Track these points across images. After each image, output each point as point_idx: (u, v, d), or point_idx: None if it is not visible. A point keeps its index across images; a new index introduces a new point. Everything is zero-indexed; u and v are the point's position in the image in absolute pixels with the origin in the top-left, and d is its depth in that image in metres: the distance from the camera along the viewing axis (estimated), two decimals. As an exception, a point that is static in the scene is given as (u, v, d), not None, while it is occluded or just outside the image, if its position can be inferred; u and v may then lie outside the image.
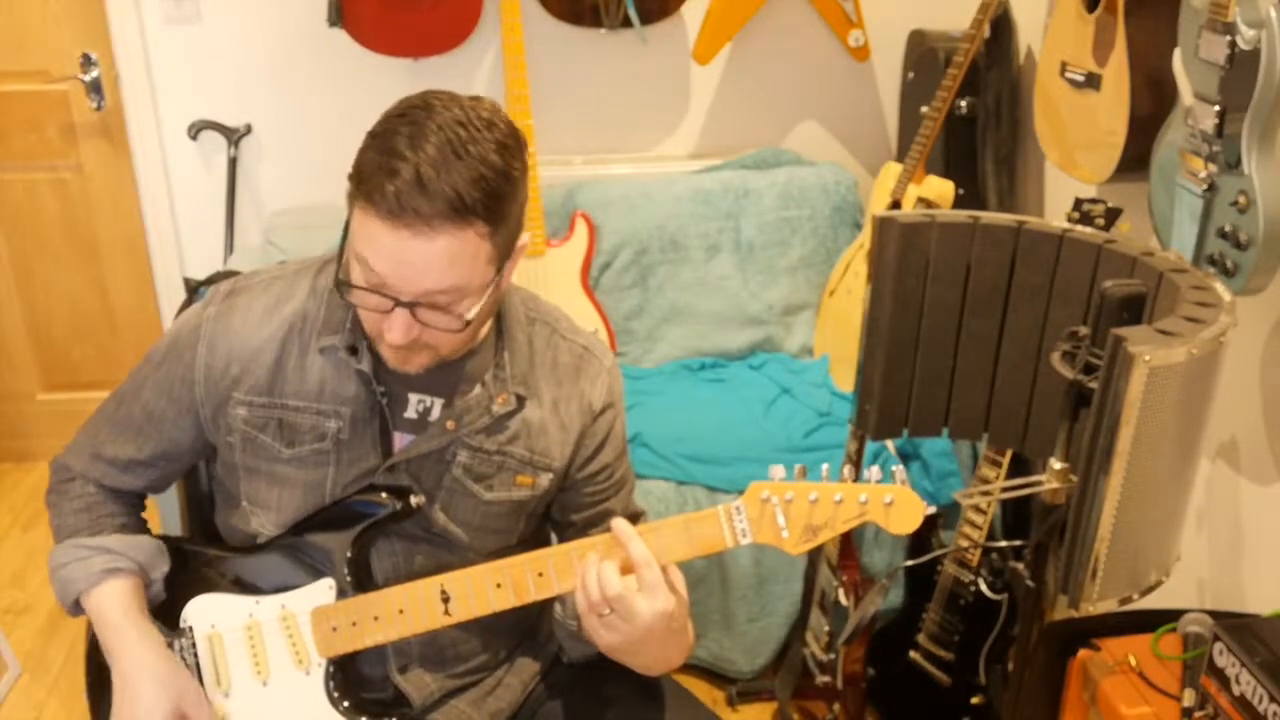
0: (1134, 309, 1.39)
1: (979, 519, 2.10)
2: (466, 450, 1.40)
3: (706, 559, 2.38)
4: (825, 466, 1.27)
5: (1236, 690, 1.48)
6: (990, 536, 2.17)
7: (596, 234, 2.93)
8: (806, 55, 3.13)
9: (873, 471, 1.26)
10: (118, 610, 1.40)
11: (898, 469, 1.25)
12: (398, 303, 1.24)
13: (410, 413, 1.41)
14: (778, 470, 1.26)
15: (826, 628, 2.20)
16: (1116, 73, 2.03)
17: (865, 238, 2.83)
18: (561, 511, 1.51)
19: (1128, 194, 2.09)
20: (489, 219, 1.21)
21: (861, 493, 1.25)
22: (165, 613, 1.46)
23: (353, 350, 1.37)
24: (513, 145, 1.24)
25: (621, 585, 1.24)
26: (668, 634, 1.28)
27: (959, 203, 2.69)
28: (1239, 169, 1.66)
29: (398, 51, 2.91)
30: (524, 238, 1.32)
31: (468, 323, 1.27)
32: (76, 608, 1.44)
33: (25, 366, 3.35)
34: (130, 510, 1.52)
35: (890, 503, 1.24)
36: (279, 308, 1.41)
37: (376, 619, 1.37)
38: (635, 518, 1.54)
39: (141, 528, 1.52)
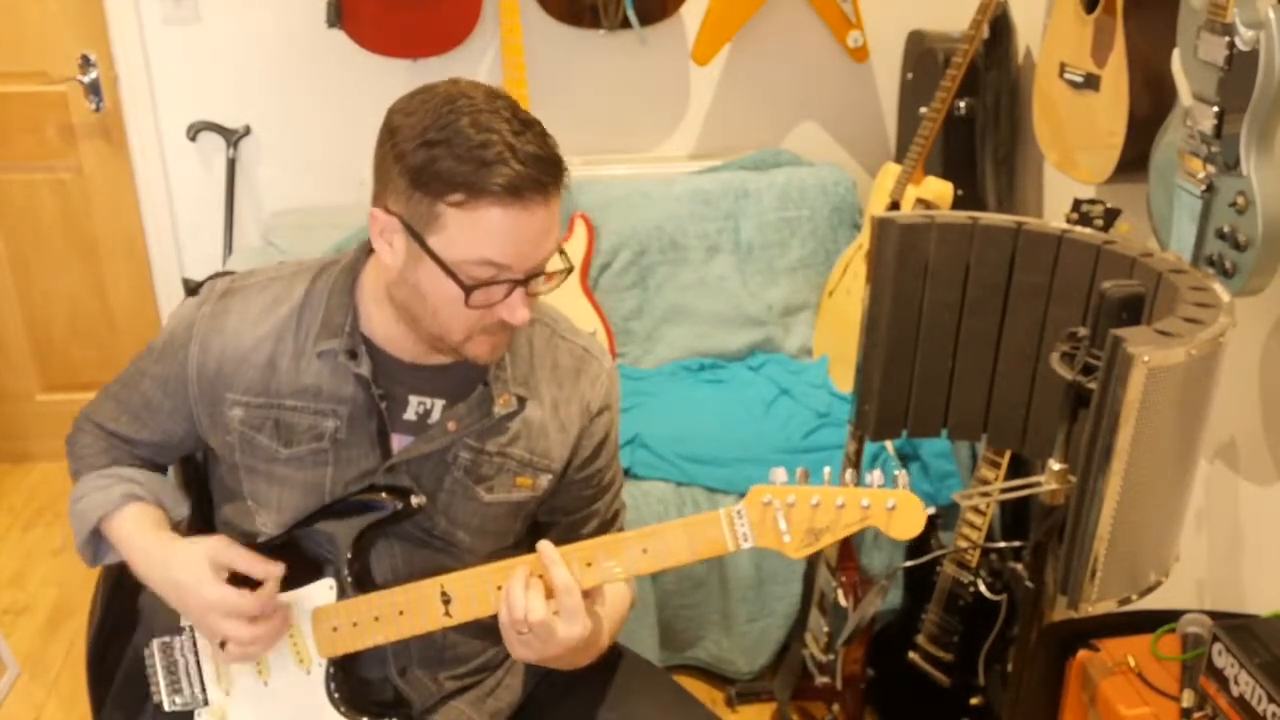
0: (1133, 310, 1.39)
1: (978, 520, 2.10)
2: (467, 452, 1.40)
3: (706, 560, 2.38)
4: (827, 470, 1.26)
5: (1235, 691, 1.48)
6: (989, 537, 2.17)
7: (596, 235, 2.93)
8: (805, 56, 3.13)
9: (875, 476, 1.25)
10: (140, 528, 1.42)
11: (900, 474, 1.25)
12: (515, 283, 1.26)
13: (410, 414, 1.41)
14: (779, 474, 1.26)
15: (826, 628, 2.20)
16: (1115, 73, 2.03)
17: (864, 238, 2.83)
18: (549, 512, 1.51)
19: (1126, 195, 2.09)
20: (564, 169, 1.26)
21: (864, 497, 1.24)
22: (167, 611, 1.46)
23: (352, 354, 1.37)
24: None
25: (546, 614, 1.26)
26: (578, 652, 1.32)
27: (958, 203, 2.69)
28: (1237, 170, 1.66)
29: (397, 52, 2.91)
30: None
31: (567, 271, 1.31)
32: (92, 545, 1.45)
33: (24, 367, 3.35)
34: (141, 460, 1.53)
35: (893, 508, 1.24)
36: (275, 309, 1.41)
37: (377, 619, 1.37)
38: (615, 516, 1.56)
39: (160, 469, 1.55)
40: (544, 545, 1.30)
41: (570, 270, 1.32)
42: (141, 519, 1.43)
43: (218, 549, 1.38)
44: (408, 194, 1.23)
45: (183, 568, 1.37)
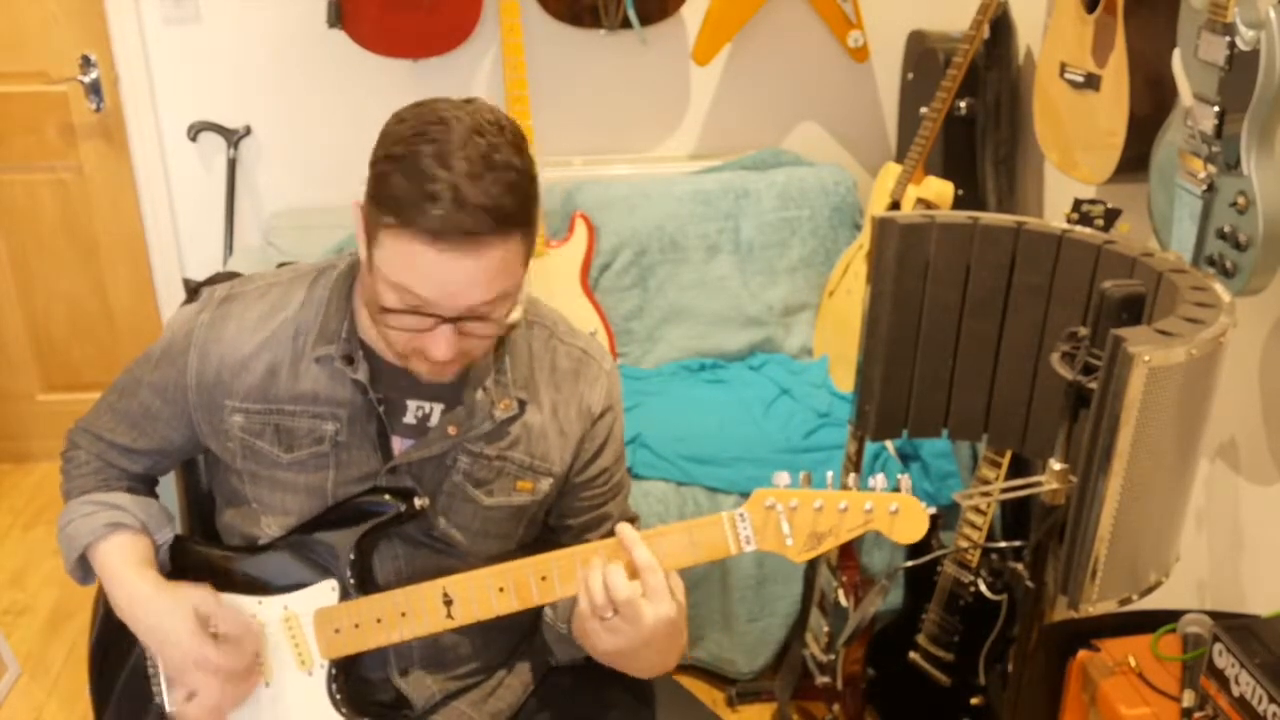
0: (1133, 309, 1.39)
1: (979, 519, 2.10)
2: (467, 456, 1.40)
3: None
4: (830, 474, 1.27)
5: (1236, 691, 1.48)
6: (990, 537, 2.17)
7: (596, 235, 2.93)
8: (806, 56, 3.13)
9: (878, 479, 1.25)
10: (121, 561, 1.41)
11: (903, 478, 1.25)
12: (442, 320, 1.23)
13: (409, 418, 1.40)
14: (782, 477, 1.25)
15: (826, 628, 2.20)
16: (1116, 73, 2.03)
17: (865, 238, 2.83)
18: (558, 516, 1.51)
19: (1127, 195, 2.09)
20: (525, 223, 1.22)
21: (867, 501, 1.24)
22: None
23: (349, 360, 1.37)
24: (522, 142, 1.24)
25: (630, 589, 1.23)
26: (668, 639, 1.28)
27: (958, 203, 2.69)
28: (1238, 170, 1.66)
29: (397, 53, 2.91)
30: None
31: (510, 326, 1.27)
32: (81, 568, 1.45)
33: (25, 367, 3.35)
34: (135, 479, 1.53)
35: (895, 511, 1.24)
36: (273, 315, 1.41)
37: (379, 621, 1.37)
38: (631, 521, 1.53)
39: (148, 492, 1.54)
40: (623, 527, 1.28)
41: (513, 327, 1.28)
42: (125, 554, 1.42)
43: (203, 599, 1.37)
44: (368, 199, 1.24)
45: (169, 615, 1.36)
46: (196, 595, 1.38)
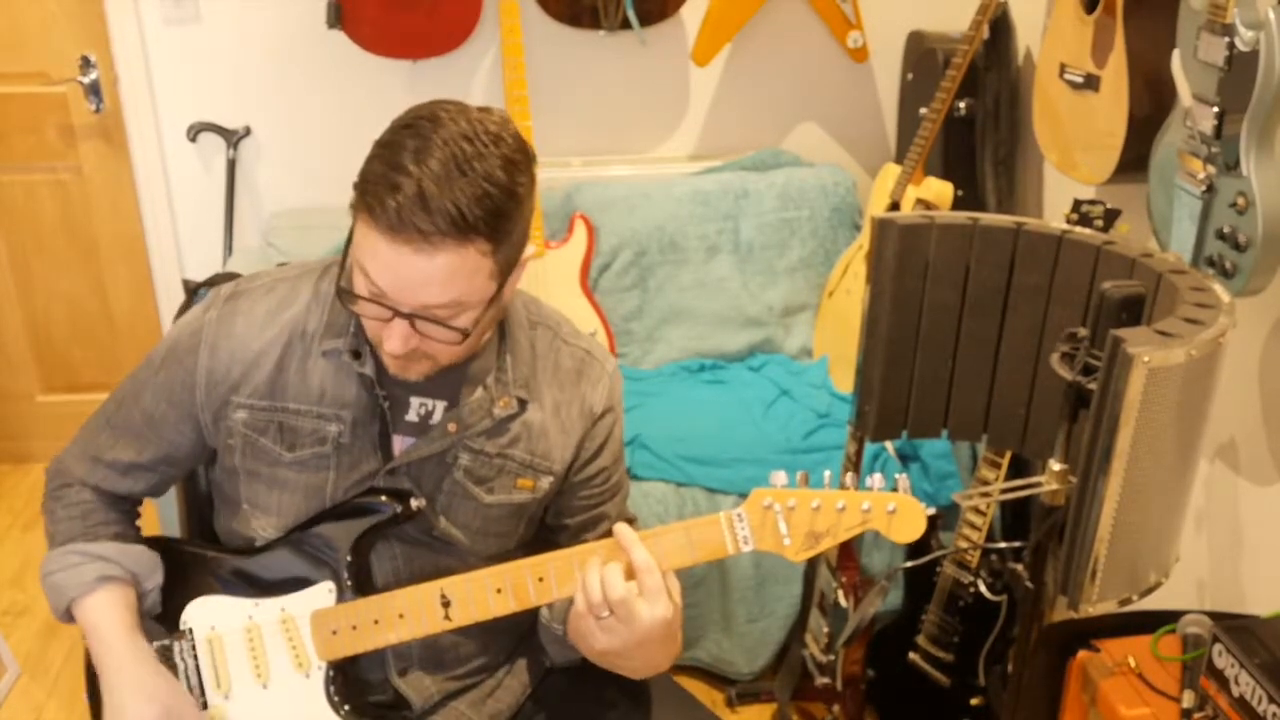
0: (1133, 310, 1.39)
1: (978, 520, 2.10)
2: (468, 453, 1.40)
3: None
4: (827, 473, 1.27)
5: (1236, 691, 1.48)
6: (989, 538, 2.17)
7: (596, 235, 2.93)
8: (805, 57, 3.13)
9: (875, 479, 1.25)
10: (108, 621, 1.39)
11: (901, 477, 1.25)
12: (396, 313, 1.24)
13: (411, 415, 1.41)
14: (780, 477, 1.26)
15: (826, 629, 2.20)
16: (1115, 74, 2.03)
17: (864, 239, 2.83)
18: (555, 515, 1.51)
19: (1126, 195, 2.09)
20: (491, 237, 1.21)
21: (864, 500, 1.24)
22: (166, 615, 1.46)
23: (356, 354, 1.37)
24: (520, 161, 1.23)
25: (625, 589, 1.24)
26: (662, 641, 1.29)
27: (958, 204, 2.69)
28: (1237, 170, 1.66)
29: (397, 53, 2.91)
30: (529, 249, 1.31)
31: (466, 335, 1.27)
32: (68, 615, 1.43)
33: (24, 368, 3.35)
34: (125, 518, 1.51)
35: (893, 511, 1.24)
36: (281, 311, 1.41)
37: (376, 623, 1.37)
38: (629, 524, 1.53)
39: (136, 537, 1.51)
40: (621, 527, 1.29)
41: (465, 338, 1.26)
42: (112, 613, 1.40)
43: (184, 710, 1.37)
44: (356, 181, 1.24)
45: (136, 702, 1.35)
46: (179, 705, 1.37)
